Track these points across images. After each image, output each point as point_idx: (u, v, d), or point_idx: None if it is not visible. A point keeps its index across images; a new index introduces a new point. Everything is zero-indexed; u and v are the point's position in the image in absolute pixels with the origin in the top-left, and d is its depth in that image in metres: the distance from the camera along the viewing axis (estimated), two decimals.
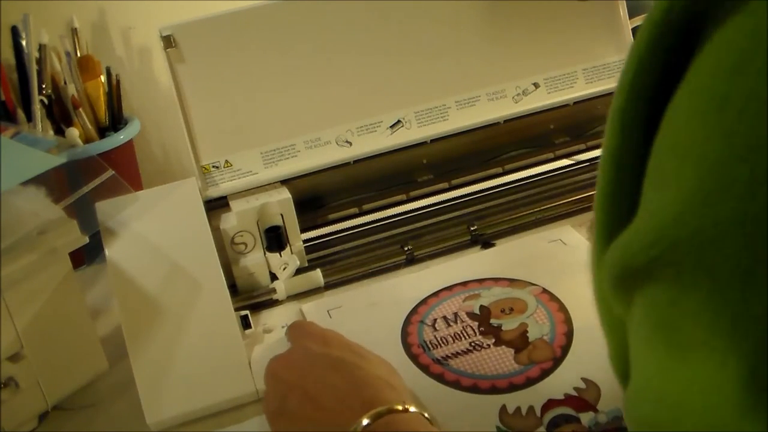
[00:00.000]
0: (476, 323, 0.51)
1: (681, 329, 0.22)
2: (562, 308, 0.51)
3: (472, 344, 0.49)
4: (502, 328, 0.50)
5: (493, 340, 0.49)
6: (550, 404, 0.43)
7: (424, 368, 0.48)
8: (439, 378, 0.47)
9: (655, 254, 0.22)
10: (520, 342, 0.49)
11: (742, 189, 0.19)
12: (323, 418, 0.39)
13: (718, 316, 0.21)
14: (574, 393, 0.44)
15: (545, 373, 0.46)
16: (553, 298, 0.53)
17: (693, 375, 0.22)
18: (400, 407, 0.38)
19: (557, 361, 0.46)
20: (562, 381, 0.45)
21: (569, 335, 0.49)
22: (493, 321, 0.51)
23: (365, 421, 0.37)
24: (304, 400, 0.40)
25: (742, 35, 0.20)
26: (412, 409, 0.38)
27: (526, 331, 0.50)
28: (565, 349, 0.47)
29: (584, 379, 0.44)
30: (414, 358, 0.49)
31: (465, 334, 0.50)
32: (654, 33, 0.23)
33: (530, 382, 0.45)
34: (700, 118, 0.21)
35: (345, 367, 0.42)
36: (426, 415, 0.39)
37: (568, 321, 0.50)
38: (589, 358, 0.46)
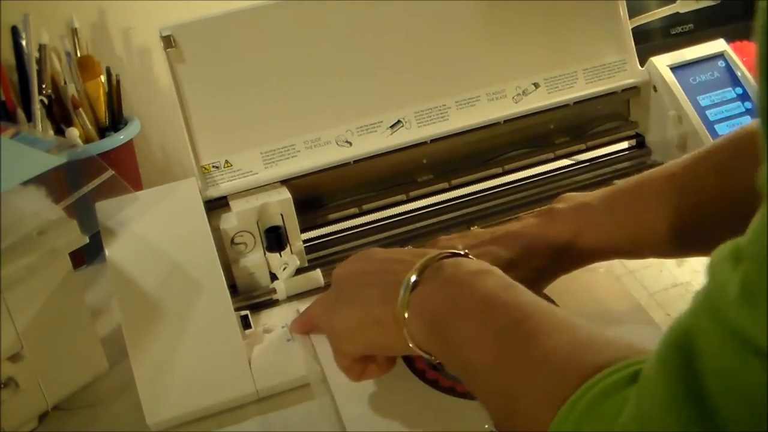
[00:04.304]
0: None
1: None
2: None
3: None
4: None
5: None
6: None
7: (420, 373, 0.48)
8: (434, 384, 0.46)
9: None
10: None
11: None
12: (374, 281, 0.41)
13: None
14: None
15: None
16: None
17: None
18: (448, 252, 0.40)
19: None
20: None
21: None
22: None
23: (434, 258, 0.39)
24: (354, 281, 0.42)
25: None
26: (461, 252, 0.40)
27: None
28: None
29: None
30: (410, 362, 0.49)
31: None
32: None
33: None
34: None
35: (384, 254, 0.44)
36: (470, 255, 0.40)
37: None
38: None
